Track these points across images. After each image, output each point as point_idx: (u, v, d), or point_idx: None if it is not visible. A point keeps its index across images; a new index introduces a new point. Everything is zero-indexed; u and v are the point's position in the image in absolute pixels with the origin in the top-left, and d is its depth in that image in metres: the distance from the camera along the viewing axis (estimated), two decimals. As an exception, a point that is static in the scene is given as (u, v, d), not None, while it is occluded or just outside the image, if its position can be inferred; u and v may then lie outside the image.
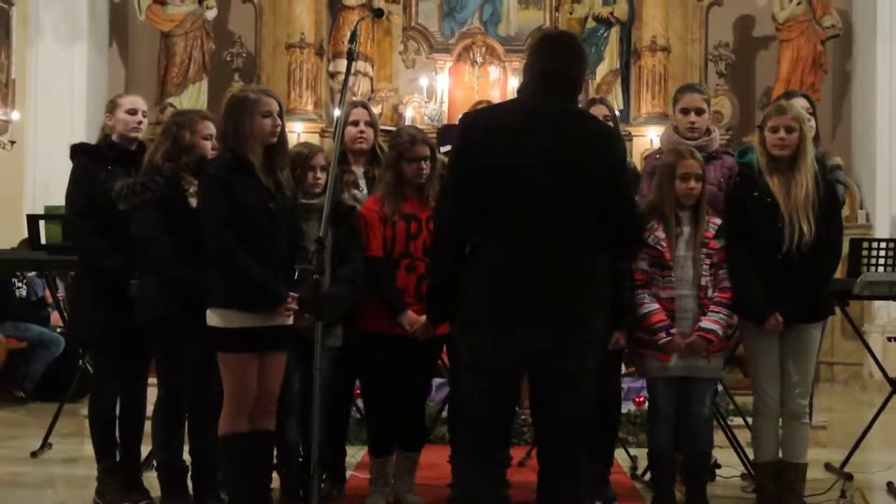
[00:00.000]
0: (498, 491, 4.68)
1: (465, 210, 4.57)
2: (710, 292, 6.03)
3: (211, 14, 14.36)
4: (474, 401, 4.60)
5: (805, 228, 5.89)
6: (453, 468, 6.07)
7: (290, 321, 5.66)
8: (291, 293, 5.58)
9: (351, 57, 5.86)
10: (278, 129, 5.71)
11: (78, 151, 6.54)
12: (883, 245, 7.34)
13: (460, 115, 4.89)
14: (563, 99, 4.62)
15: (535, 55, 4.72)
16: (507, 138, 4.52)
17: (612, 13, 14.49)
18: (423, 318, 5.89)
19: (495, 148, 4.52)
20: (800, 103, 6.56)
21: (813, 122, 6.70)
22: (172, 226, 5.89)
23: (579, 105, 4.92)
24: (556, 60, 4.64)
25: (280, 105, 5.81)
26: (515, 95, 4.82)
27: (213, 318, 5.61)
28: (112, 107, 6.54)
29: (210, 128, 6.06)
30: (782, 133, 5.98)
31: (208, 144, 6.03)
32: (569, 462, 4.60)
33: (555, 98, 4.60)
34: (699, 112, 6.58)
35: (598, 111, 6.69)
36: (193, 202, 5.88)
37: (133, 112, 6.49)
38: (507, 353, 4.48)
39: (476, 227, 4.58)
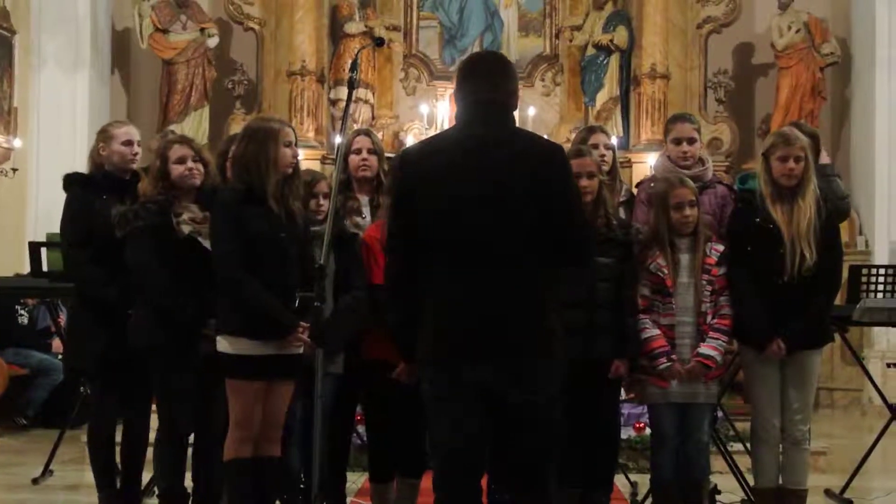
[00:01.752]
0: None
1: (413, 252, 4.59)
2: (709, 318, 6.05)
3: (213, 42, 14.40)
4: (439, 434, 4.63)
5: (807, 254, 5.92)
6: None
7: (301, 350, 5.68)
8: (302, 323, 5.60)
9: (352, 85, 5.89)
10: (295, 158, 5.75)
11: (72, 182, 6.55)
12: (882, 271, 7.38)
13: (400, 153, 4.86)
14: (495, 125, 4.57)
15: (462, 81, 4.67)
16: (441, 177, 4.51)
17: (611, 41, 14.49)
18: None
19: (432, 187, 4.51)
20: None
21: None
22: (165, 253, 5.93)
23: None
24: (484, 85, 4.60)
25: (295, 135, 5.85)
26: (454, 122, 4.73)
27: (223, 344, 5.63)
28: (106, 137, 6.52)
29: (180, 150, 6.09)
30: (791, 164, 6.02)
31: (180, 168, 6.05)
32: (535, 489, 4.57)
33: (486, 125, 4.56)
34: (691, 141, 6.65)
35: (597, 139, 6.72)
36: (186, 229, 5.92)
37: (129, 143, 6.50)
38: (460, 387, 4.46)
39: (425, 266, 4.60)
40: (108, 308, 6.24)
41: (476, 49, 14.83)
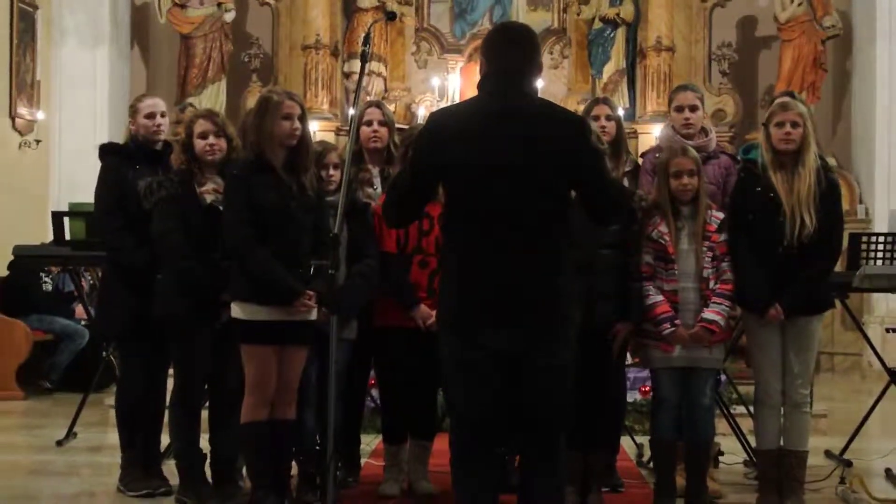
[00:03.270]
0: (493, 486, 4.62)
1: (414, 205, 4.75)
2: (712, 284, 6.03)
3: (229, 16, 14.37)
4: (458, 398, 4.62)
5: (807, 221, 5.90)
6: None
7: (314, 316, 5.70)
8: (309, 290, 5.60)
9: (364, 58, 5.86)
10: (297, 132, 5.71)
11: (107, 151, 6.59)
12: (881, 239, 7.33)
13: (430, 113, 4.85)
14: (520, 94, 4.56)
15: (490, 51, 4.64)
16: (467, 142, 4.48)
17: (618, 14, 14.46)
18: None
19: (456, 152, 4.49)
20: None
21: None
22: (187, 223, 5.94)
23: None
24: (510, 56, 4.57)
25: (303, 108, 5.81)
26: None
27: (236, 310, 5.67)
28: (132, 112, 6.56)
29: (203, 125, 6.08)
30: (788, 128, 5.99)
31: (201, 143, 6.05)
32: (547, 451, 4.58)
33: (512, 94, 4.54)
34: (693, 109, 6.64)
35: (599, 111, 6.72)
36: (208, 199, 5.94)
37: (151, 116, 6.49)
38: (481, 352, 4.47)
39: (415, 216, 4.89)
40: (138, 274, 6.23)
41: (486, 23, 14.80)
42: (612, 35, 14.54)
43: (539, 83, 4.75)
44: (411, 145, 5.97)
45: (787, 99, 6.32)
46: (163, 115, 6.57)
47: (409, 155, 5.28)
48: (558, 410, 4.59)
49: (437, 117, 4.75)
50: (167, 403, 6.29)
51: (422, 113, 14.01)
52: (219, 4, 14.31)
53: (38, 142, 12.98)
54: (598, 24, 14.56)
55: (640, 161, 6.99)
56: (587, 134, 4.70)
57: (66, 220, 7.96)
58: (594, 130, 6.12)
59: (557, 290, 4.53)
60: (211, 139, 6.04)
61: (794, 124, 6.00)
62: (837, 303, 7.05)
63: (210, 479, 6.16)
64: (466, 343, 4.51)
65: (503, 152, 4.44)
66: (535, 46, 4.68)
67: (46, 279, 11.32)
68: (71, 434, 8.16)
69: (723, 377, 7.27)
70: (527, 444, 4.65)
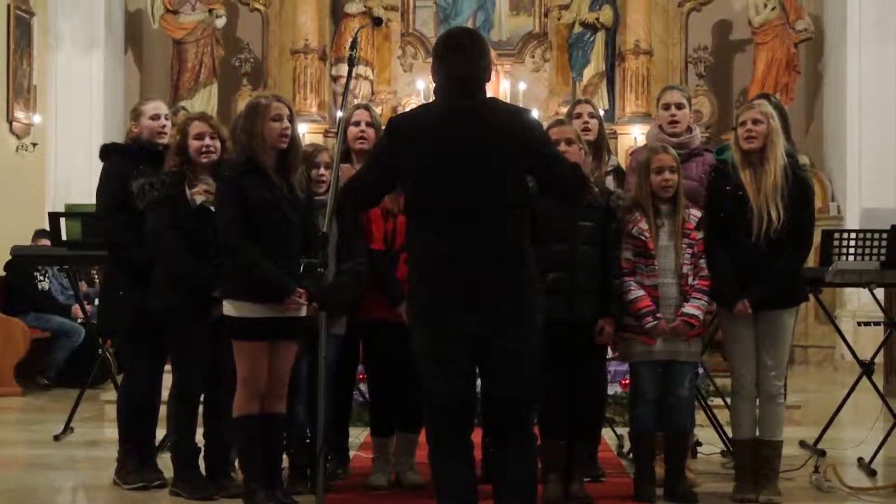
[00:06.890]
0: (470, 474, 4.62)
1: (368, 192, 4.81)
2: (690, 280, 6.04)
3: (220, 22, 14.38)
4: (430, 388, 4.59)
5: (774, 216, 5.91)
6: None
7: (303, 313, 5.69)
8: (300, 288, 5.60)
9: (351, 63, 5.88)
10: (287, 132, 5.73)
11: (109, 151, 6.55)
12: (853, 236, 7.35)
13: (389, 118, 4.91)
14: (472, 97, 4.60)
15: (441, 58, 4.69)
16: (427, 143, 4.53)
17: (597, 19, 14.48)
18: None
19: (417, 152, 4.54)
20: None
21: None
22: (179, 222, 5.94)
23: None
24: (462, 61, 4.62)
25: (291, 110, 5.84)
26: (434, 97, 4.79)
27: (228, 307, 5.67)
28: (136, 115, 6.54)
29: (199, 127, 6.07)
30: (749, 125, 6.02)
31: (197, 144, 6.04)
32: (516, 437, 4.57)
33: (464, 97, 4.59)
34: (679, 106, 6.63)
35: (581, 109, 6.78)
36: (199, 199, 5.93)
37: (156, 117, 6.48)
38: (450, 340, 4.48)
39: (370, 203, 5.07)
40: (139, 270, 6.20)
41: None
42: (591, 39, 14.56)
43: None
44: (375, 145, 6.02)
45: (755, 100, 6.35)
46: (167, 118, 6.55)
47: (372, 153, 5.30)
48: (526, 396, 4.59)
49: (397, 121, 4.79)
50: (165, 397, 6.27)
51: (408, 115, 13.99)
52: (210, 10, 14.32)
53: (34, 145, 12.93)
54: (578, 29, 14.58)
55: (627, 159, 6.99)
56: (534, 121, 4.78)
57: (63, 220, 7.94)
58: (576, 129, 6.15)
59: (521, 277, 4.54)
60: (207, 140, 6.03)
61: (756, 121, 6.02)
62: (811, 297, 7.06)
63: (203, 472, 6.15)
64: (436, 332, 4.51)
65: (460, 151, 4.50)
66: (479, 50, 4.70)
67: (42, 278, 11.28)
68: (68, 429, 8.13)
69: (700, 370, 7.27)
70: (496, 432, 4.65)
